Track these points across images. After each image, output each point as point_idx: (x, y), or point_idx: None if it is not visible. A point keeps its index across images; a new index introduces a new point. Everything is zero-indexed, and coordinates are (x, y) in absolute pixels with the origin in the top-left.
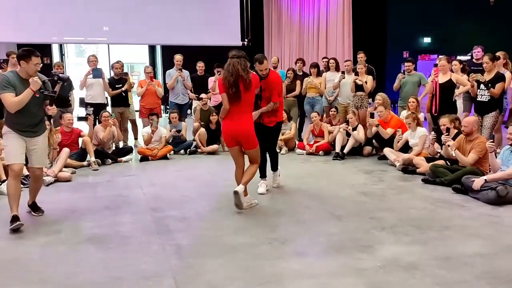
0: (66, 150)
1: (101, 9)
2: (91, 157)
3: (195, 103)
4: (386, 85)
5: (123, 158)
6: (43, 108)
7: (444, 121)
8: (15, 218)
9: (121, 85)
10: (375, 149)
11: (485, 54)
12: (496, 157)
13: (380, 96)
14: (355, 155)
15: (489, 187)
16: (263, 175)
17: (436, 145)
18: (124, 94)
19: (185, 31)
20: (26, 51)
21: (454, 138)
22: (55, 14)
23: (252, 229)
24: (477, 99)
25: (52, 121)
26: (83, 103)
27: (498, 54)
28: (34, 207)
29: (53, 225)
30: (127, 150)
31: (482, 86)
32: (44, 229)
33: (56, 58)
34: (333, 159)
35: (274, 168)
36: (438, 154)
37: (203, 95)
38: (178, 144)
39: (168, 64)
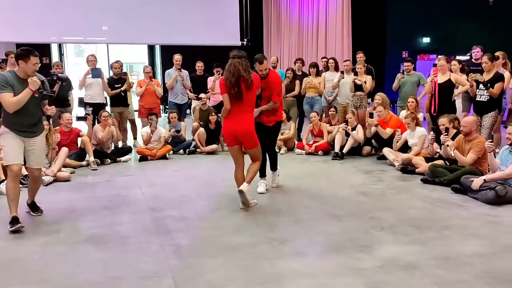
0: (64, 150)
1: (100, 8)
2: (90, 157)
3: (194, 103)
4: (385, 85)
5: (122, 158)
6: (41, 108)
7: (443, 121)
8: (15, 220)
9: (120, 85)
10: (374, 149)
11: (484, 54)
12: (495, 157)
13: (379, 96)
14: (354, 155)
15: (488, 187)
16: (262, 175)
17: (435, 145)
18: (123, 94)
19: (184, 31)
20: (24, 50)
21: (453, 138)
22: (54, 14)
23: (252, 229)
24: (476, 99)
25: (51, 121)
26: (82, 103)
27: (497, 54)
28: (33, 207)
29: (52, 225)
30: (126, 150)
31: (481, 86)
32: (43, 229)
33: (55, 57)
34: (332, 159)
35: (273, 168)
36: (437, 154)
37: (202, 95)
38: (177, 144)
39: (167, 64)
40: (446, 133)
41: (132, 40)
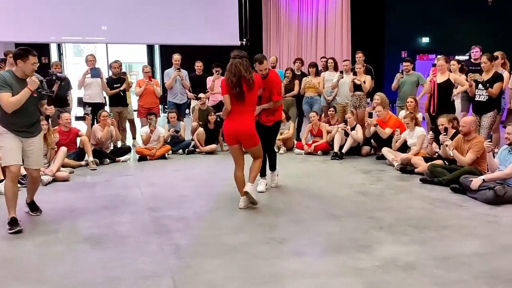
0: (63, 149)
1: (100, 8)
2: (89, 157)
3: (194, 103)
4: (384, 84)
5: (121, 158)
6: (39, 108)
7: (442, 121)
8: (13, 221)
9: (119, 84)
10: (374, 149)
11: (483, 54)
12: (494, 157)
13: (378, 96)
14: (353, 155)
15: (487, 187)
16: (262, 174)
17: (434, 144)
18: (122, 94)
19: (183, 31)
20: (23, 50)
21: (452, 138)
22: (53, 14)
23: (251, 228)
24: (475, 99)
25: (50, 120)
26: (81, 102)
27: (496, 54)
28: (32, 206)
29: (51, 225)
30: (125, 150)
31: (480, 86)
32: (42, 229)
33: (54, 57)
34: (332, 159)
35: (272, 167)
36: (436, 154)
37: (201, 95)
38: (176, 143)
39: (166, 63)
40: (445, 133)
41: (131, 40)
